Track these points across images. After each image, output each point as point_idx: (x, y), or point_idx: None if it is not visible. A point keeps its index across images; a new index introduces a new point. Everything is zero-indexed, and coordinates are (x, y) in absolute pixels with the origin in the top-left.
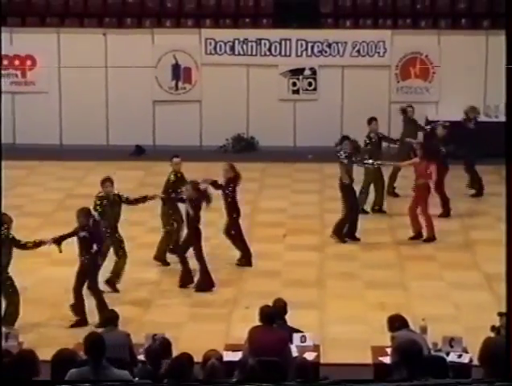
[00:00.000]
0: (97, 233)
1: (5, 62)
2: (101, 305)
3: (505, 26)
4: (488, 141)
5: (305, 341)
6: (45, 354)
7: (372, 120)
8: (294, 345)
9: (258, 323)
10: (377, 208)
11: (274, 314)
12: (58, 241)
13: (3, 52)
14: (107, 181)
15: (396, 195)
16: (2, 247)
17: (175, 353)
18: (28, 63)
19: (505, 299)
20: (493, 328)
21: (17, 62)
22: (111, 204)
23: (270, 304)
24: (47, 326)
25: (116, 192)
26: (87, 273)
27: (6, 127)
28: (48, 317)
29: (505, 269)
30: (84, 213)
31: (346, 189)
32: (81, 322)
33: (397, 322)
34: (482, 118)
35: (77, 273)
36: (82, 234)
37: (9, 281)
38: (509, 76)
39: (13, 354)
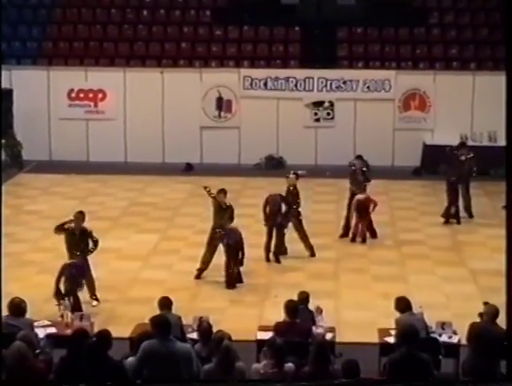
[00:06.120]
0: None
1: (81, 94)
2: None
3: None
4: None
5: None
6: (113, 331)
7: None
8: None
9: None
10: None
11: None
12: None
13: (80, 87)
14: (221, 191)
15: None
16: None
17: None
18: (100, 96)
19: (486, 291)
20: (480, 315)
21: (90, 95)
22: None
23: (295, 293)
24: (114, 309)
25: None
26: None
27: (81, 147)
28: (115, 301)
29: (506, 268)
30: (82, 217)
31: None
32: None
33: (402, 304)
34: (469, 143)
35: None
36: (72, 271)
37: None
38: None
39: (88, 332)
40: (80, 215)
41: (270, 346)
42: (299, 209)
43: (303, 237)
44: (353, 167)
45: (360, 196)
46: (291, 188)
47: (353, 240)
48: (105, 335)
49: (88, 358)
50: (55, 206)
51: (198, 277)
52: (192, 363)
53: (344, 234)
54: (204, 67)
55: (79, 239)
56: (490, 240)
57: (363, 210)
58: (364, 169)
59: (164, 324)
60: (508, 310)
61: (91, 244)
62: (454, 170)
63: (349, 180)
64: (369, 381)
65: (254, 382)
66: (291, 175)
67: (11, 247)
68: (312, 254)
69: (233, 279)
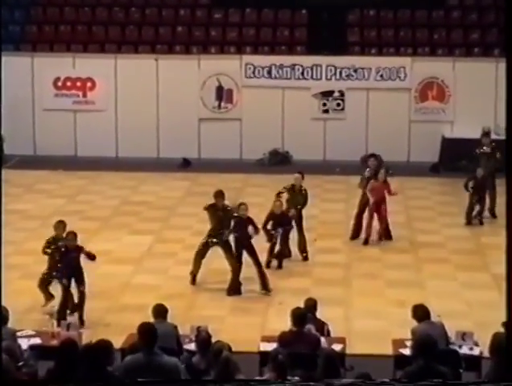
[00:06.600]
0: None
1: (68, 83)
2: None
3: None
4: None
5: (329, 335)
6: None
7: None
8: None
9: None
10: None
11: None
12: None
13: (67, 75)
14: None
15: None
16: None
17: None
18: (89, 84)
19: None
20: (504, 324)
21: (78, 84)
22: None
23: (301, 300)
24: (104, 317)
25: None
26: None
27: (68, 141)
28: (105, 308)
29: (506, 271)
30: (73, 237)
31: None
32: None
33: (419, 312)
34: (493, 136)
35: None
36: (74, 254)
37: None
38: (509, 93)
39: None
40: (60, 225)
41: (272, 359)
42: (303, 210)
43: (301, 239)
44: (368, 170)
45: (374, 182)
46: (302, 189)
47: (366, 242)
48: (106, 347)
49: (85, 370)
50: (39, 205)
51: (193, 282)
52: (180, 378)
53: (355, 235)
54: (203, 54)
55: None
56: None
57: (379, 196)
58: (388, 170)
59: (149, 334)
60: (508, 311)
61: None
62: (478, 165)
63: (366, 179)
64: (373, 382)
65: (254, 382)
66: (297, 175)
67: None
68: (306, 258)
69: (236, 286)
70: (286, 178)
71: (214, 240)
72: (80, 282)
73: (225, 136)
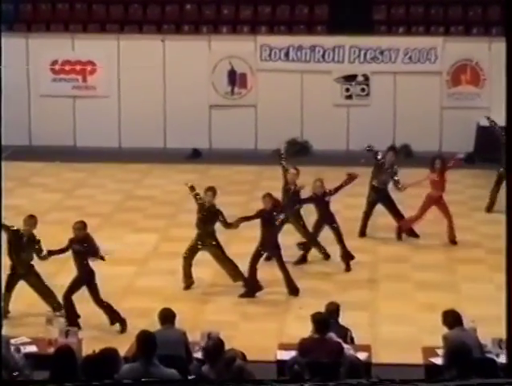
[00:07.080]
0: (92, 246)
1: (67, 67)
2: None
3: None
4: None
5: (353, 342)
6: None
7: None
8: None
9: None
10: None
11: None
12: (50, 254)
13: (66, 58)
14: (210, 190)
15: None
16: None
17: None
18: (89, 68)
19: None
20: None
21: (78, 67)
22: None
23: (322, 304)
24: (105, 323)
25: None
26: (81, 285)
27: (67, 130)
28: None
29: (506, 268)
30: (79, 226)
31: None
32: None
33: (450, 317)
34: None
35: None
36: (76, 247)
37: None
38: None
39: (75, 350)
40: (32, 220)
41: (288, 369)
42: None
43: (313, 238)
44: (379, 158)
45: (431, 174)
46: (293, 186)
47: (400, 237)
48: (112, 356)
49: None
50: (34, 200)
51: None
52: None
53: (362, 233)
54: (214, 34)
55: (25, 246)
56: None
57: (438, 192)
58: (395, 171)
59: (148, 343)
60: (508, 311)
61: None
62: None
63: (373, 171)
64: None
65: (256, 381)
66: (292, 170)
67: None
68: (326, 257)
69: (250, 286)
70: (306, 170)
71: (202, 243)
72: (94, 294)
73: (239, 124)
